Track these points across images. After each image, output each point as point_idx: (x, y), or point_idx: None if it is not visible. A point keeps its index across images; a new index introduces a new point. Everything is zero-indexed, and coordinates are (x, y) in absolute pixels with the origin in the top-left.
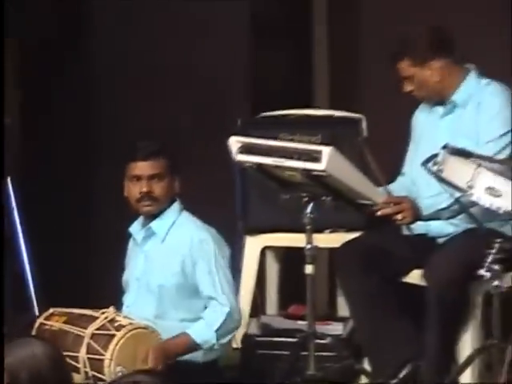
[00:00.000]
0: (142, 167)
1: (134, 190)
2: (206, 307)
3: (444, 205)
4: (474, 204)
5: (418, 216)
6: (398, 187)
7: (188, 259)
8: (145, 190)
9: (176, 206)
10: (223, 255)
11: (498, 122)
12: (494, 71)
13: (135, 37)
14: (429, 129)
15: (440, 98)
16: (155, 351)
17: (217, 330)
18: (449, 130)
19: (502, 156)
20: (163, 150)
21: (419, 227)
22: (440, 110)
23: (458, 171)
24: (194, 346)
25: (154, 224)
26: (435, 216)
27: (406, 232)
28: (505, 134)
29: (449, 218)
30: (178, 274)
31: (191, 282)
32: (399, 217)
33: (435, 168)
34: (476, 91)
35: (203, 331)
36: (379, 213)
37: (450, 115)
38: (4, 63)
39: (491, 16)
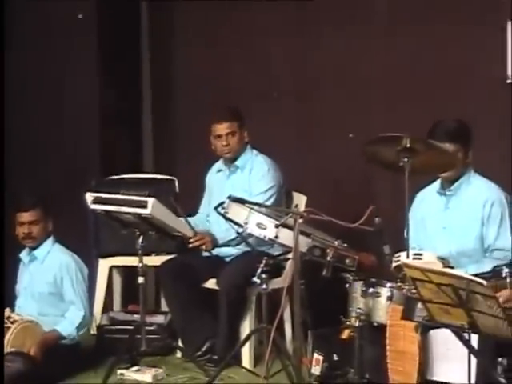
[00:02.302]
0: (24, 216)
1: (19, 231)
2: (68, 308)
3: (231, 237)
4: (250, 235)
5: (215, 244)
6: (196, 221)
7: (58, 276)
8: (26, 231)
9: (50, 240)
10: (82, 273)
11: (264, 182)
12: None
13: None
14: (219, 184)
15: (234, 157)
16: (38, 343)
17: (76, 327)
18: (232, 185)
19: (267, 203)
20: (39, 203)
21: (214, 251)
22: (226, 171)
23: (238, 213)
24: (61, 338)
25: (36, 252)
26: (226, 244)
27: (205, 254)
28: (269, 189)
29: (236, 245)
30: (51, 285)
31: (60, 291)
32: (203, 247)
33: (223, 211)
34: (250, 159)
35: (67, 328)
36: (190, 246)
37: (233, 175)
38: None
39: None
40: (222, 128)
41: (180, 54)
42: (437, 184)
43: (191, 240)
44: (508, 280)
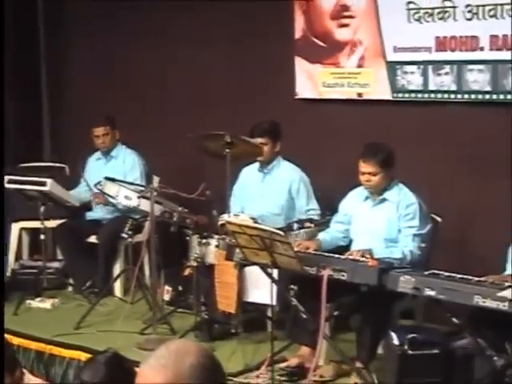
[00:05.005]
0: None
1: None
2: None
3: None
4: (122, 205)
5: (106, 203)
6: (78, 194)
7: None
8: None
9: None
10: None
11: (134, 171)
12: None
13: None
14: (97, 168)
15: (108, 150)
16: None
17: None
18: (109, 170)
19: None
20: None
21: (93, 215)
22: (104, 160)
23: (111, 188)
24: None
25: None
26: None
27: (88, 218)
28: (138, 177)
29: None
30: None
31: None
32: (99, 201)
33: (100, 187)
34: (121, 151)
35: None
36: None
37: (109, 163)
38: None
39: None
40: (98, 131)
41: (72, 64)
42: (257, 164)
43: (95, 198)
44: (297, 232)
